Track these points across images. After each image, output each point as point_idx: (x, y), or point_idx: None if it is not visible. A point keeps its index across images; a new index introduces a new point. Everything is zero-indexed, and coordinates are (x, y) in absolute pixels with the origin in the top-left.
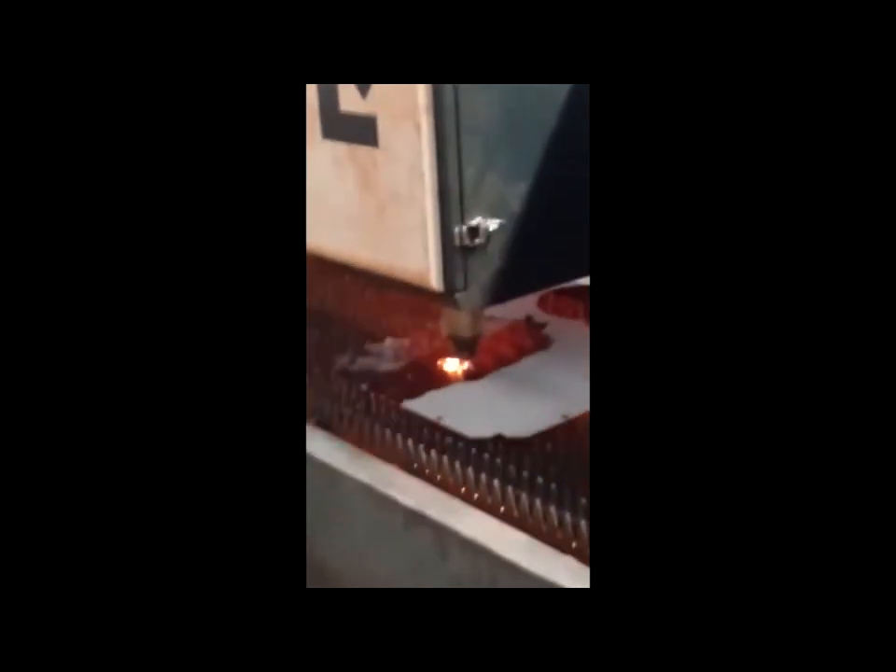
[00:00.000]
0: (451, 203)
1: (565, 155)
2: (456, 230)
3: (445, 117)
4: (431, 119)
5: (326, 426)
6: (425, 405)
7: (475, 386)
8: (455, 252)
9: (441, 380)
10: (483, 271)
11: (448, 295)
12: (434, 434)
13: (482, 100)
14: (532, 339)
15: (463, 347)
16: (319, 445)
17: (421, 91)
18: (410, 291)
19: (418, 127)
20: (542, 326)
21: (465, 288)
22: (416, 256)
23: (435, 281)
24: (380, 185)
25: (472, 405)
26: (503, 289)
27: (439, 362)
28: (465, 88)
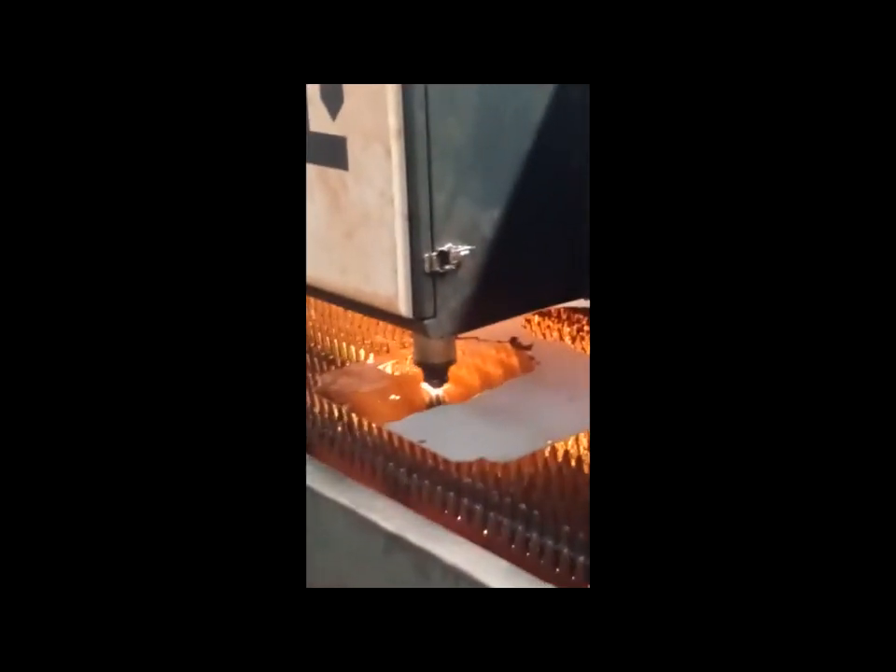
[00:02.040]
0: (421, 227)
1: (541, 179)
2: (426, 255)
3: (416, 140)
4: (401, 143)
5: (306, 448)
6: (408, 428)
7: (459, 409)
8: (424, 278)
9: (425, 402)
10: (454, 297)
11: (417, 321)
12: (416, 457)
13: (453, 122)
14: (517, 360)
15: (433, 375)
16: None
17: (391, 113)
18: (378, 316)
19: (388, 150)
20: (528, 347)
21: (434, 315)
22: (385, 280)
23: (404, 307)
24: (349, 207)
25: (456, 428)
26: (475, 316)
27: (422, 383)
28: (436, 110)
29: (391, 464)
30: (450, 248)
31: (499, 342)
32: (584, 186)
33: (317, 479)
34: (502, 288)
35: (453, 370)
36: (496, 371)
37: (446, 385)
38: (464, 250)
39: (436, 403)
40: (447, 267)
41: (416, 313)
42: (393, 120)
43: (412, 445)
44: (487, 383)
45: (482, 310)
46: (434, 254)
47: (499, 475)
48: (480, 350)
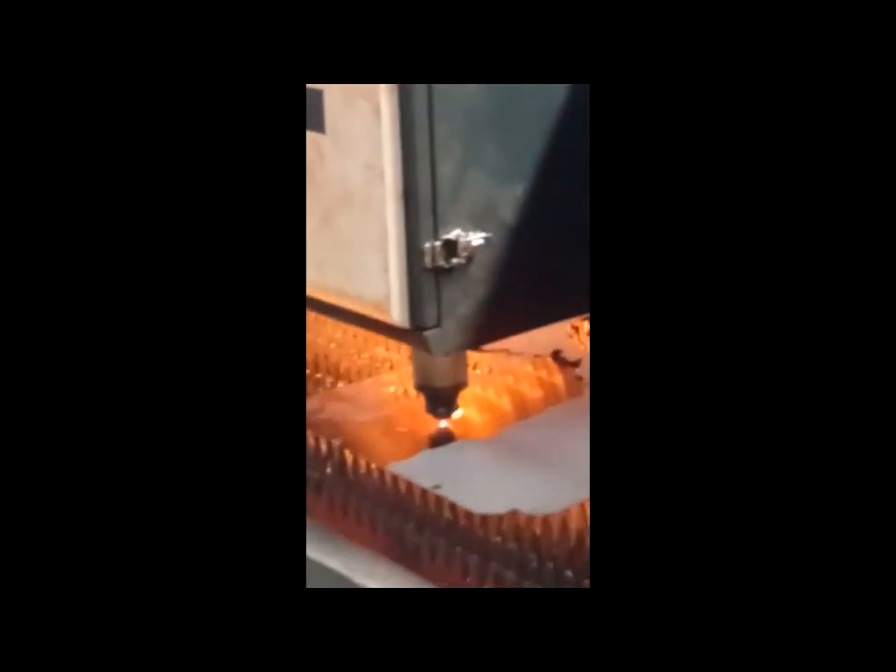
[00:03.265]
0: (420, 209)
1: (576, 148)
2: (427, 245)
3: (414, 95)
4: (395, 98)
5: None
6: (417, 469)
7: (485, 446)
8: (424, 275)
9: (439, 435)
10: (463, 301)
11: (415, 333)
12: (428, 508)
13: None
14: (561, 380)
15: (438, 402)
16: None
17: None
18: (367, 326)
19: (377, 107)
20: (575, 364)
21: (438, 325)
22: (373, 279)
23: (397, 313)
24: (326, 184)
25: (481, 471)
26: (491, 326)
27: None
28: None
29: (395, 517)
30: (458, 236)
31: (538, 356)
32: None
33: None
34: (527, 289)
35: (476, 393)
36: (533, 395)
37: (459, 414)
38: (477, 239)
39: (446, 440)
40: (454, 261)
41: (414, 321)
42: None
43: (423, 492)
44: (522, 410)
45: (500, 318)
46: (437, 244)
47: (538, 533)
48: (512, 366)
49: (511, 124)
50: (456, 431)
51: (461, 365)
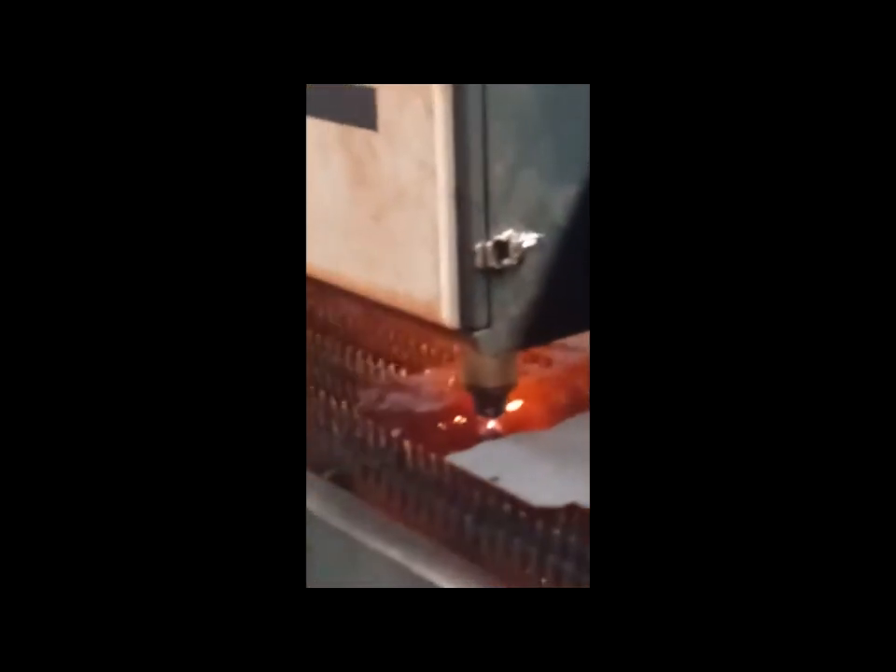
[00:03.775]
0: (472, 209)
1: None
2: (479, 245)
3: (468, 94)
4: (449, 96)
5: (345, 483)
6: (476, 461)
7: (541, 439)
8: (476, 276)
9: (488, 435)
10: (514, 302)
11: (465, 333)
12: (487, 500)
13: None
14: None
15: (487, 402)
16: (336, 508)
17: None
18: (415, 323)
19: (430, 106)
20: None
21: (488, 325)
22: (423, 279)
23: (448, 314)
24: (378, 181)
25: (537, 463)
26: (542, 328)
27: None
28: None
29: (454, 508)
30: (510, 237)
31: None
32: None
33: (359, 525)
34: (578, 291)
35: (534, 385)
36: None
37: (516, 406)
38: (529, 240)
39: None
40: (506, 262)
41: (465, 322)
42: None
43: (482, 484)
44: (580, 402)
45: (551, 320)
46: (489, 244)
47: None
48: (572, 361)
49: (564, 125)
50: (514, 424)
51: (511, 366)
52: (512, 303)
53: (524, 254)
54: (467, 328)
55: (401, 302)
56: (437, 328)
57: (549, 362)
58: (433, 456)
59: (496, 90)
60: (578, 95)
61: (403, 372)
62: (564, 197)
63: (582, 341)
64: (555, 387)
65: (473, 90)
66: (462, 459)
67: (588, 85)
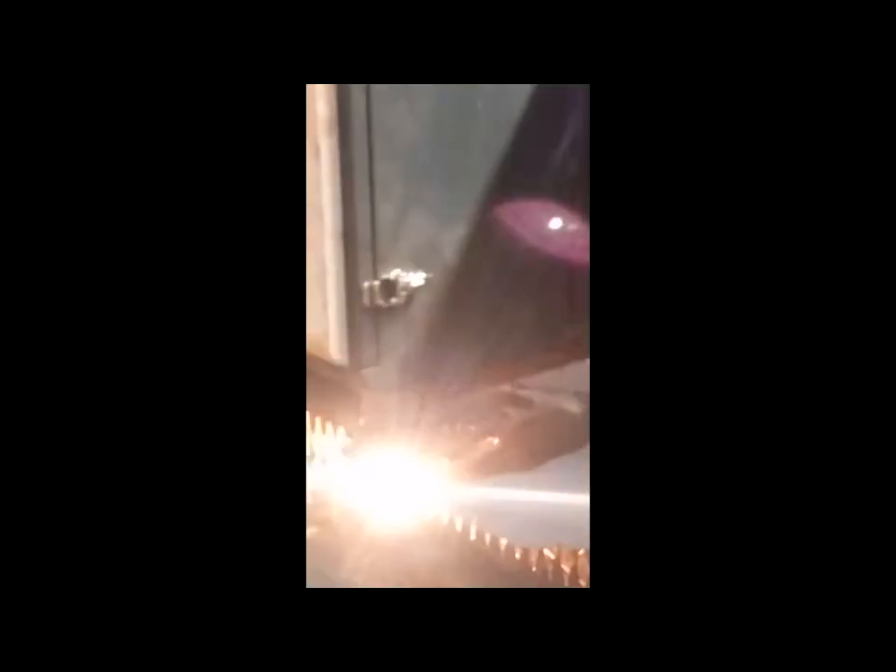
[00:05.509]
0: (359, 248)
1: (524, 190)
2: (366, 285)
3: (354, 134)
4: (335, 138)
5: None
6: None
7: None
8: (364, 314)
9: None
10: (404, 340)
11: (353, 371)
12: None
13: (404, 110)
14: None
15: None
16: None
17: (320, 98)
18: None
19: (316, 147)
20: None
21: (377, 363)
22: (312, 317)
23: (336, 351)
24: None
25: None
26: (435, 366)
27: None
28: (379, 93)
29: None
30: (398, 276)
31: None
32: (586, 197)
33: None
34: (471, 331)
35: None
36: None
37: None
38: (417, 279)
39: None
40: (394, 300)
41: (353, 359)
42: (322, 108)
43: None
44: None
45: (445, 358)
46: (376, 283)
47: None
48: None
49: (457, 163)
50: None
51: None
52: (403, 342)
53: (412, 293)
54: (355, 365)
55: None
56: (326, 365)
57: (530, 404)
58: None
59: (383, 127)
60: (470, 136)
61: None
62: (455, 237)
63: (563, 382)
64: (535, 431)
65: (359, 131)
66: None
67: (480, 126)
